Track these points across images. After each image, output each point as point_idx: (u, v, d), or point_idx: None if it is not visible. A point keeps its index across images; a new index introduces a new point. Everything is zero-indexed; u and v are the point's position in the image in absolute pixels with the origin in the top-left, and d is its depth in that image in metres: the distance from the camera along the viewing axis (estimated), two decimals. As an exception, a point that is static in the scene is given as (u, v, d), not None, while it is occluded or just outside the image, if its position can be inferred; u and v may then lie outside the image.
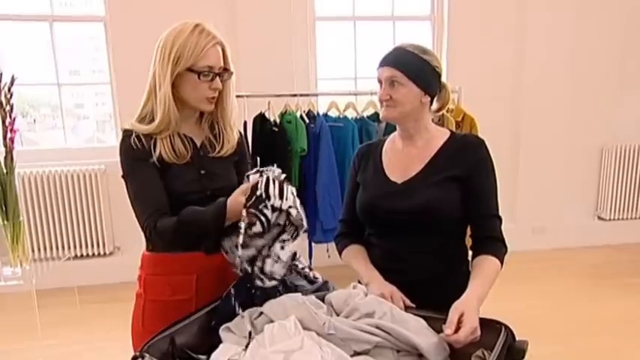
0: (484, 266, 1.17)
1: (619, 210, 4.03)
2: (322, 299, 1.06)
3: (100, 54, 3.53)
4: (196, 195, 1.20)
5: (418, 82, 1.21)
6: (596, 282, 3.36)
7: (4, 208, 2.56)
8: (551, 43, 3.72)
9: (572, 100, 3.83)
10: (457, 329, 0.96)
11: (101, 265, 3.43)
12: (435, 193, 1.21)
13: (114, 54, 3.38)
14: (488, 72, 3.70)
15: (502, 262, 1.19)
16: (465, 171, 1.22)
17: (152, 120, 1.18)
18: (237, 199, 1.07)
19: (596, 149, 4.01)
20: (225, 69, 1.20)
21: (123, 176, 1.18)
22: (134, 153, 1.15)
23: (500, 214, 1.25)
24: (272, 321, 0.92)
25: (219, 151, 1.25)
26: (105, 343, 2.63)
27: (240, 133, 1.34)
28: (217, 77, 1.17)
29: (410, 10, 3.82)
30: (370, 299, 0.99)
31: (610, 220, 4.05)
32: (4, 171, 2.55)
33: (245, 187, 1.08)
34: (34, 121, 3.64)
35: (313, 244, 3.01)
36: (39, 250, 3.34)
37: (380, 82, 1.25)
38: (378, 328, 0.92)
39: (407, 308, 1.09)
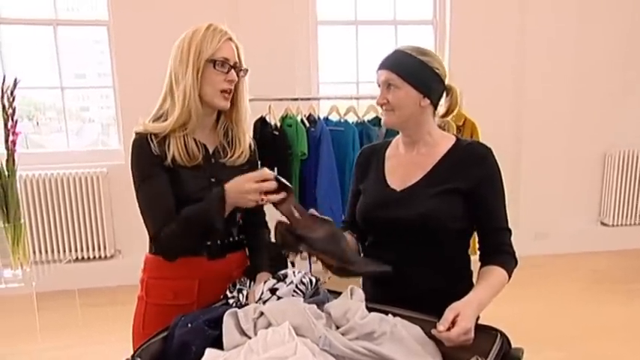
0: (490, 275, 1.13)
1: (622, 216, 3.99)
2: (318, 304, 1.05)
3: (105, 57, 3.55)
4: None
5: (415, 85, 1.17)
6: (598, 287, 3.33)
7: (5, 211, 2.57)
8: (553, 49, 3.71)
9: (575, 105, 3.81)
10: (451, 328, 0.94)
11: (102, 268, 3.43)
12: (434, 204, 1.16)
13: (117, 58, 3.40)
14: (490, 77, 3.68)
15: (510, 275, 1.15)
16: (469, 184, 1.17)
17: (160, 116, 1.18)
18: (240, 184, 1.10)
19: (598, 155, 3.99)
20: (240, 66, 1.21)
21: (134, 181, 1.18)
22: (148, 159, 1.15)
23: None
24: (270, 324, 0.91)
25: (230, 157, 1.24)
26: (105, 347, 2.62)
27: (254, 141, 1.34)
28: (232, 70, 1.18)
29: (412, 15, 3.81)
30: (370, 319, 0.96)
31: (613, 225, 4.02)
32: (6, 174, 2.56)
33: (254, 175, 1.10)
34: (37, 123, 3.66)
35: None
36: (40, 252, 3.35)
37: (379, 85, 1.22)
38: (372, 352, 0.89)
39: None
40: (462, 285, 1.22)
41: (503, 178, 1.21)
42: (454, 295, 1.12)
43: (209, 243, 1.22)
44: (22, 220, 2.65)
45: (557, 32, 3.69)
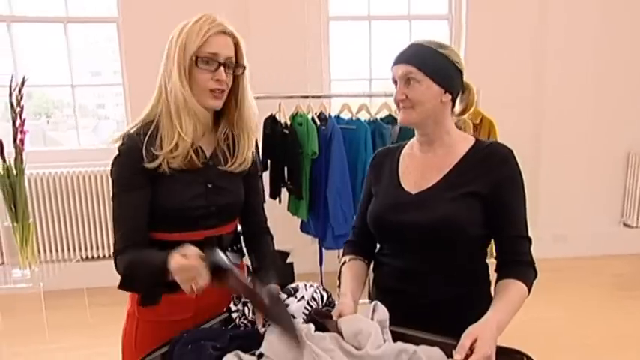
0: (509, 290, 1.04)
1: (646, 217, 3.85)
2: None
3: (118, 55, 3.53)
4: (201, 210, 1.12)
5: (436, 79, 1.10)
6: (620, 293, 3.20)
7: (13, 210, 2.56)
8: (573, 42, 3.57)
9: (597, 101, 3.67)
10: (469, 356, 0.86)
11: (111, 267, 3.39)
12: (451, 208, 1.09)
13: (126, 55, 3.36)
14: (507, 73, 3.56)
15: (530, 289, 1.06)
16: (488, 187, 1.09)
17: (151, 121, 1.09)
18: (178, 261, 0.94)
19: (622, 153, 3.83)
20: (238, 63, 1.10)
21: (112, 187, 1.10)
22: (134, 169, 1.06)
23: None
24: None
25: (230, 165, 1.15)
26: (113, 348, 2.58)
27: (256, 145, 1.24)
28: (222, 67, 1.06)
29: (427, 9, 3.71)
30: (385, 351, 0.88)
31: (637, 227, 3.85)
32: (14, 172, 2.55)
33: (191, 253, 0.93)
34: (47, 122, 3.66)
35: (324, 249, 2.93)
36: (50, 251, 3.34)
37: (395, 82, 1.14)
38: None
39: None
40: (480, 294, 1.16)
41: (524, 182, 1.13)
42: (471, 305, 1.06)
43: None
44: (31, 220, 2.63)
45: (578, 25, 3.55)
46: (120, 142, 1.09)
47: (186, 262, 0.92)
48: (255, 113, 1.18)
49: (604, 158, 3.80)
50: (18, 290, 2.57)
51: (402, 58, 1.12)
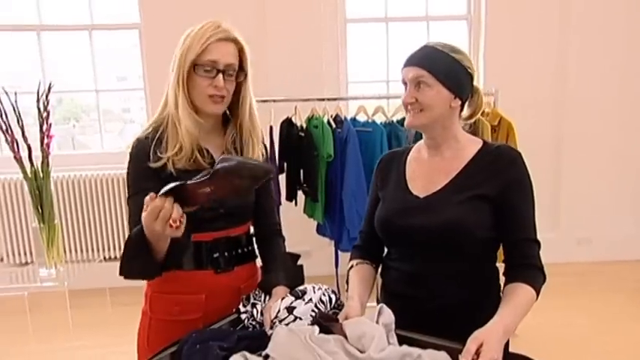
0: (517, 294, 1.03)
1: (675, 221, 3.71)
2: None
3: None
4: (210, 212, 1.13)
5: (447, 84, 1.09)
6: (647, 300, 3.10)
7: (40, 211, 2.66)
8: (597, 41, 3.48)
9: (620, 101, 3.56)
10: None
11: (133, 267, 3.49)
12: (459, 212, 1.08)
13: (148, 60, 3.45)
14: (527, 73, 3.50)
15: (538, 293, 1.05)
16: (496, 189, 1.09)
17: (159, 125, 1.13)
18: (149, 225, 0.92)
19: (649, 154, 3.72)
20: (241, 69, 1.13)
21: (127, 188, 1.14)
22: (144, 171, 1.09)
23: (542, 223, 1.11)
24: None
25: None
26: (133, 347, 2.65)
27: (266, 147, 1.27)
28: (220, 74, 1.08)
29: (445, 10, 3.68)
30: (389, 354, 0.88)
31: (665, 231, 3.73)
32: (41, 175, 2.65)
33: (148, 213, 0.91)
34: (74, 126, 3.79)
35: (340, 252, 2.94)
36: (75, 251, 3.44)
37: (405, 84, 1.14)
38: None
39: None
40: (489, 298, 1.15)
41: (537, 176, 1.13)
42: (480, 309, 1.04)
43: (216, 255, 1.17)
44: (56, 221, 2.73)
45: (600, 25, 3.46)
46: (130, 147, 1.14)
47: (149, 207, 0.90)
48: (255, 119, 1.20)
49: (628, 160, 3.68)
50: (44, 289, 2.67)
51: (413, 61, 1.12)
